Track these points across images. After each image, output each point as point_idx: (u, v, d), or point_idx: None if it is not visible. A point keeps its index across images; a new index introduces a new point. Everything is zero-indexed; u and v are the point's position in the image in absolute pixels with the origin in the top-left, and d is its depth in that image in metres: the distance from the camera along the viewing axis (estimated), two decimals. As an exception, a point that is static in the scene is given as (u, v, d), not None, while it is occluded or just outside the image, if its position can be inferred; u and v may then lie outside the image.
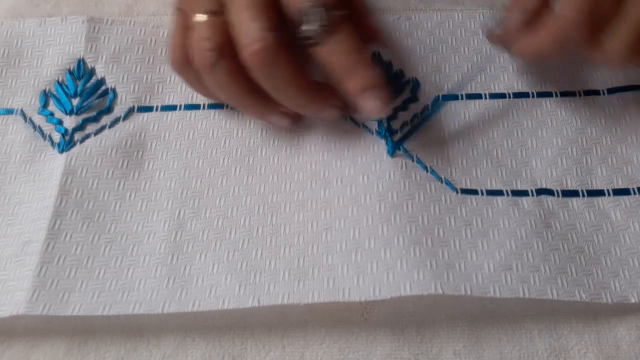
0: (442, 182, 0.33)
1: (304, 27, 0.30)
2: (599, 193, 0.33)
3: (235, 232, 0.32)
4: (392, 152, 0.34)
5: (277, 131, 0.36)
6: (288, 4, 0.31)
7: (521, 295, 0.29)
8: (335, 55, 0.31)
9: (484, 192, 0.33)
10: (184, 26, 0.33)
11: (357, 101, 0.32)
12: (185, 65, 0.33)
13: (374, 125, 0.36)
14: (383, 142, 0.35)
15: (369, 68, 0.32)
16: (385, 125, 0.36)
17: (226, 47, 0.31)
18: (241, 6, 0.30)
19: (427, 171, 0.34)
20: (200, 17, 0.31)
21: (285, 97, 0.32)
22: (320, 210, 0.33)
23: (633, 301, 0.30)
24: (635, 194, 0.33)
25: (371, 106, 0.32)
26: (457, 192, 0.33)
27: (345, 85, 0.32)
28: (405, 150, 0.35)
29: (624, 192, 0.33)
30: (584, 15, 0.30)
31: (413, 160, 0.34)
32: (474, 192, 0.33)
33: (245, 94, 0.32)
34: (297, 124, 0.35)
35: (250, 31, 0.30)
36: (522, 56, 0.36)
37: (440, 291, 0.29)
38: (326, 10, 0.30)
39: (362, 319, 0.30)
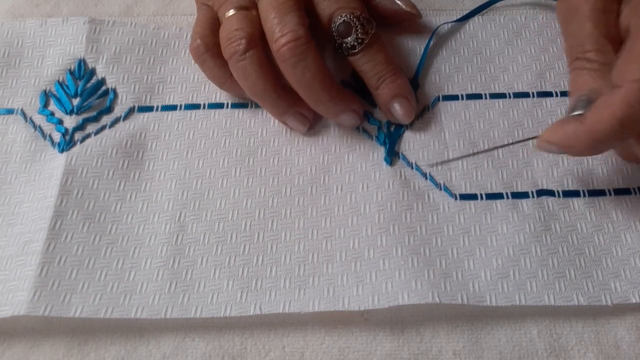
0: (440, 189, 0.34)
1: (349, 39, 0.34)
2: (600, 193, 0.33)
3: (236, 237, 0.32)
4: (391, 162, 0.34)
5: (277, 131, 0.36)
6: (322, 11, 0.34)
7: (517, 302, 0.30)
8: (371, 64, 0.34)
9: (484, 197, 0.33)
10: (209, 19, 0.34)
11: (389, 106, 0.35)
12: (205, 53, 0.34)
13: (373, 131, 0.36)
14: (382, 149, 0.35)
15: (401, 77, 0.35)
16: (385, 130, 0.36)
17: (256, 38, 0.32)
18: (274, 2, 0.32)
19: (426, 178, 0.34)
20: (231, 12, 0.33)
21: (310, 92, 0.33)
22: (321, 218, 0.33)
23: (634, 301, 0.30)
24: (635, 193, 0.33)
25: (401, 112, 0.35)
26: (456, 198, 0.33)
27: (379, 92, 0.35)
28: (404, 158, 0.35)
29: (625, 191, 0.33)
30: None
31: (412, 168, 0.34)
32: (473, 197, 0.33)
33: (269, 88, 0.33)
34: (311, 128, 0.36)
35: (283, 24, 0.31)
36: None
37: (437, 300, 0.29)
38: (360, 22, 0.33)
39: (362, 319, 0.30)
